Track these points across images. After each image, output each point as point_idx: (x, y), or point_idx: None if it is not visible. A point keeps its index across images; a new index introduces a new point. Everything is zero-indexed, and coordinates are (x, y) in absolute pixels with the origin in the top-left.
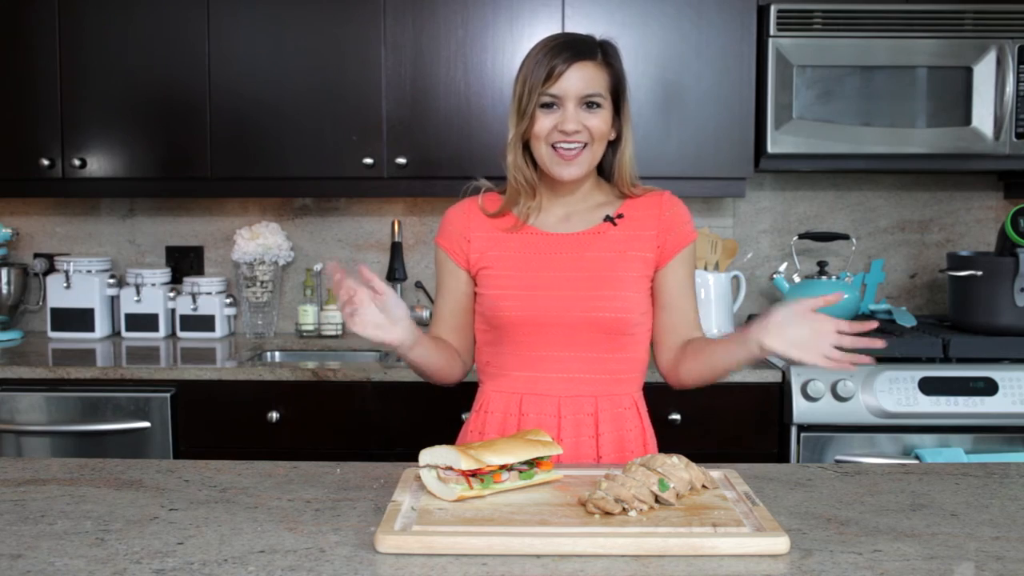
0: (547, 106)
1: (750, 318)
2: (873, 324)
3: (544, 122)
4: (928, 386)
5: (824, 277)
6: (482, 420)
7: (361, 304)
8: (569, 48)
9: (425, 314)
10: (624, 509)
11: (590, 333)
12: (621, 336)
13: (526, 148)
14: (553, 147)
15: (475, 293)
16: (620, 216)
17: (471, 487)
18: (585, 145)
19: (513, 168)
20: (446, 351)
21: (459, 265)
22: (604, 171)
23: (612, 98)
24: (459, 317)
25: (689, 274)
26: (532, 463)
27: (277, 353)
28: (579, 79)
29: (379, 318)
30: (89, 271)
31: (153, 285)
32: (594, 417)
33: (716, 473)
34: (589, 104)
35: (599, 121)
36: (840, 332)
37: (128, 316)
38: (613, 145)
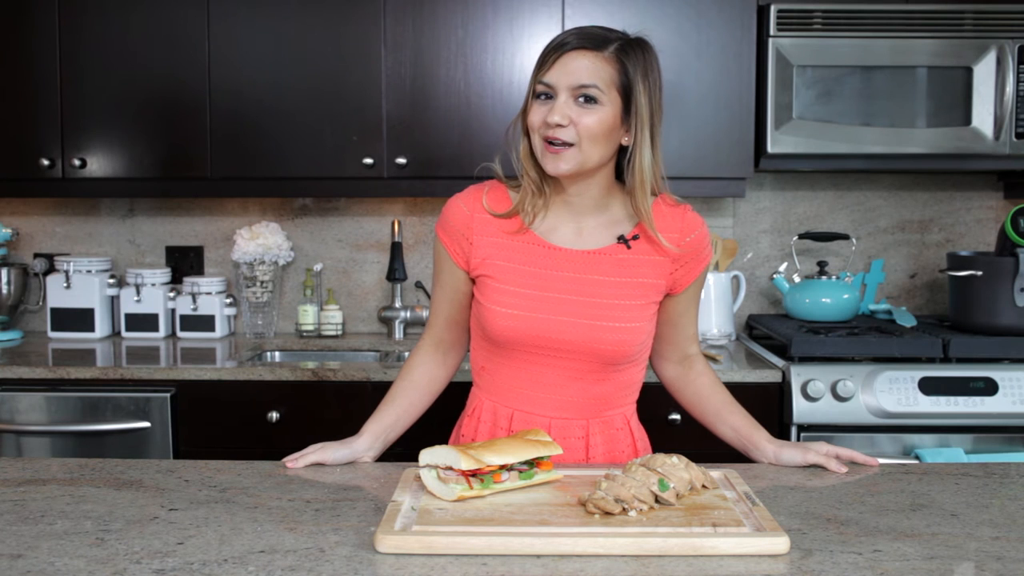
0: (542, 96)
1: (750, 320)
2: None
3: (536, 113)
4: (928, 386)
5: (824, 277)
6: (474, 426)
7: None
8: (576, 37)
9: (425, 314)
10: (624, 509)
11: (587, 361)
12: (619, 364)
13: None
14: (547, 140)
15: (472, 293)
16: (635, 238)
17: (471, 487)
18: (574, 145)
19: (524, 158)
20: (408, 409)
21: (458, 264)
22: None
23: (623, 97)
24: (456, 311)
25: (699, 292)
26: (532, 463)
27: (277, 353)
28: (573, 69)
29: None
30: (89, 271)
31: (153, 285)
32: (584, 441)
33: (716, 473)
34: (586, 98)
35: (592, 119)
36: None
37: (128, 316)
38: (627, 151)
